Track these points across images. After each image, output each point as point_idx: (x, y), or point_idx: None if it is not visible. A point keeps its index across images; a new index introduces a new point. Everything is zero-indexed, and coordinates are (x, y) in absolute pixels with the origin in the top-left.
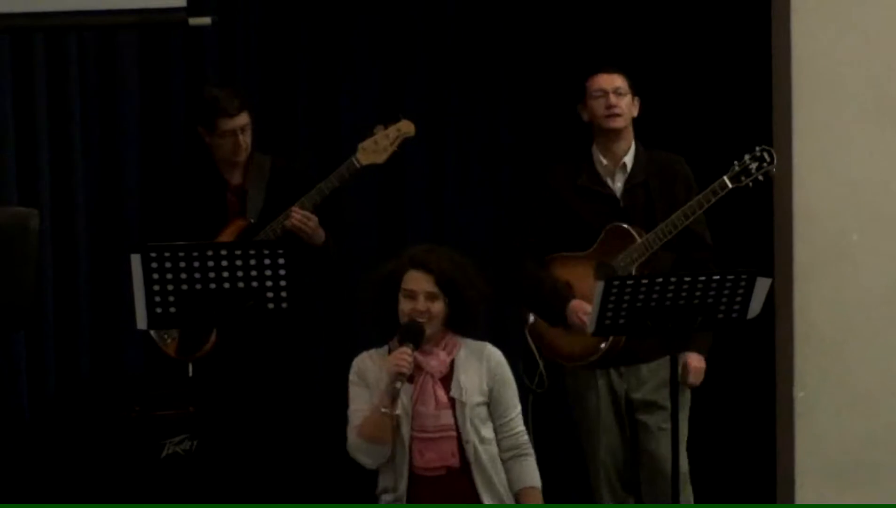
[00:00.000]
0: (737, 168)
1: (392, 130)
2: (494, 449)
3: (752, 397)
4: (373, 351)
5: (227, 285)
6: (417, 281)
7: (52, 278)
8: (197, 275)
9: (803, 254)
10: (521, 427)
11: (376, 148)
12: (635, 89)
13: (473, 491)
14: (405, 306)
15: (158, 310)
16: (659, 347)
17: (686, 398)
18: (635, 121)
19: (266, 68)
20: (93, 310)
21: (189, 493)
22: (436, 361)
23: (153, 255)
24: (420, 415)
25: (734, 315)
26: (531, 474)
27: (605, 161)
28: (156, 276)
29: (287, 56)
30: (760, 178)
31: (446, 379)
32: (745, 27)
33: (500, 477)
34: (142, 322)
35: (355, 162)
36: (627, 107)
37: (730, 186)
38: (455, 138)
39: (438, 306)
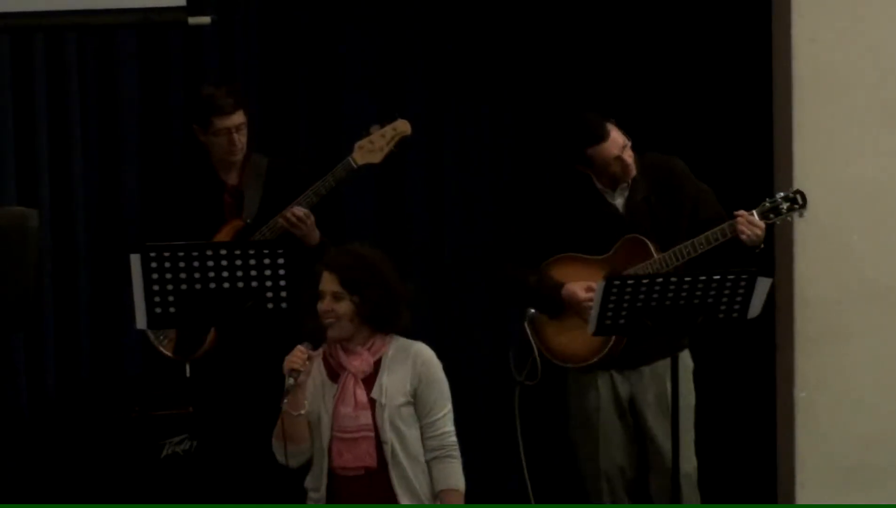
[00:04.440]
0: (767, 205)
1: (388, 130)
2: (417, 449)
3: (752, 397)
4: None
5: (226, 285)
6: (325, 281)
7: (51, 278)
8: (196, 275)
9: (803, 254)
10: (448, 428)
11: (372, 148)
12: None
13: (392, 492)
14: (318, 306)
15: (158, 310)
16: (660, 349)
17: (690, 400)
18: (634, 121)
19: (266, 68)
20: (92, 310)
21: (189, 493)
22: (358, 361)
23: (153, 255)
24: (340, 415)
25: (734, 315)
26: (454, 476)
27: (602, 186)
28: (155, 276)
29: (287, 56)
30: (789, 219)
31: (370, 380)
32: (745, 28)
33: (420, 478)
34: (141, 322)
35: (352, 162)
36: (630, 149)
37: (756, 218)
38: (455, 138)
39: (344, 306)
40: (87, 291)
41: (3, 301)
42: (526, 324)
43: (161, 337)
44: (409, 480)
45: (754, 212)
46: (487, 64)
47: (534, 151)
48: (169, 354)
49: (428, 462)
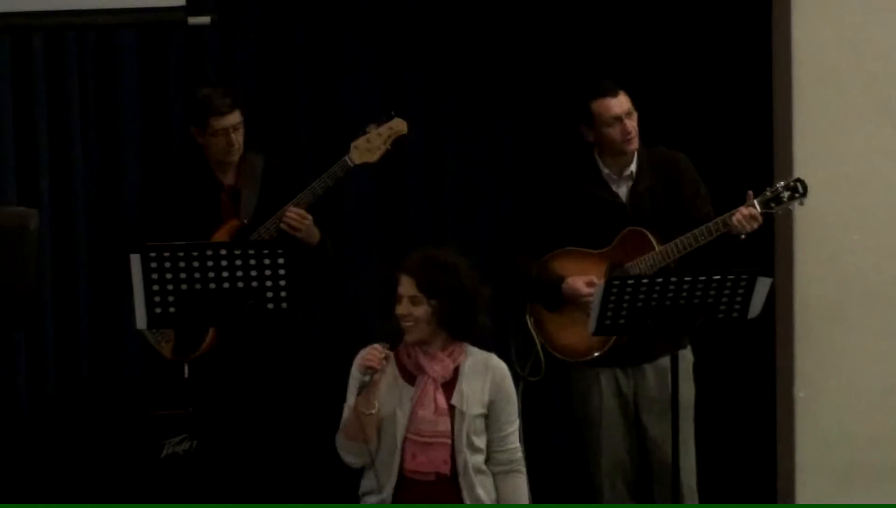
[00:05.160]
0: (768, 194)
1: (384, 129)
2: (482, 460)
3: (752, 397)
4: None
5: (226, 285)
6: (403, 285)
7: (51, 278)
8: (196, 275)
9: (803, 254)
10: (517, 444)
11: (369, 147)
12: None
13: (459, 500)
14: (396, 309)
15: (158, 310)
16: (662, 346)
17: (690, 396)
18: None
19: (266, 68)
20: (92, 310)
21: (189, 493)
22: (440, 366)
23: (153, 255)
24: (418, 418)
25: (735, 315)
26: (522, 491)
27: (608, 170)
28: (155, 276)
29: (287, 55)
30: (790, 208)
31: (449, 385)
32: (745, 27)
33: (486, 489)
34: (141, 322)
35: (348, 161)
36: (637, 124)
37: (759, 209)
38: (455, 138)
39: (421, 310)
40: (87, 291)
41: (3, 301)
42: (527, 318)
43: (159, 338)
44: (476, 491)
45: (756, 203)
46: (487, 64)
47: (533, 150)
48: (167, 355)
49: (495, 475)
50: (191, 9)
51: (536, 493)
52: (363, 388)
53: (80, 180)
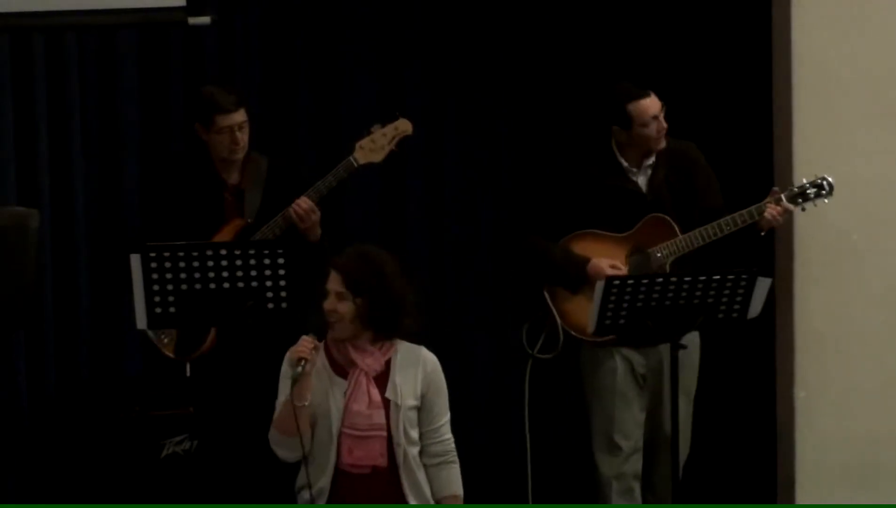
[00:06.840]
0: (795, 190)
1: (389, 129)
2: (418, 452)
3: (752, 397)
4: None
5: (226, 285)
6: (331, 280)
7: (51, 278)
8: (197, 275)
9: (803, 254)
10: (450, 435)
11: (374, 147)
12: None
13: (399, 493)
14: (324, 304)
15: (158, 310)
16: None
17: (692, 385)
18: None
19: (266, 68)
20: (92, 310)
21: (189, 493)
22: (371, 359)
23: (153, 255)
24: (352, 413)
25: (734, 315)
26: (456, 482)
27: (628, 164)
28: (155, 276)
29: (287, 56)
30: (815, 205)
31: (381, 379)
32: (746, 27)
33: (425, 481)
34: (141, 322)
35: (353, 161)
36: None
37: (786, 203)
38: (455, 138)
39: (346, 307)
40: (87, 291)
41: (3, 301)
42: (545, 293)
43: (162, 337)
44: (418, 484)
45: (783, 195)
46: (487, 63)
47: (534, 151)
48: (169, 354)
49: (428, 467)
50: (191, 9)
51: (540, 482)
52: (296, 380)
53: (80, 180)
